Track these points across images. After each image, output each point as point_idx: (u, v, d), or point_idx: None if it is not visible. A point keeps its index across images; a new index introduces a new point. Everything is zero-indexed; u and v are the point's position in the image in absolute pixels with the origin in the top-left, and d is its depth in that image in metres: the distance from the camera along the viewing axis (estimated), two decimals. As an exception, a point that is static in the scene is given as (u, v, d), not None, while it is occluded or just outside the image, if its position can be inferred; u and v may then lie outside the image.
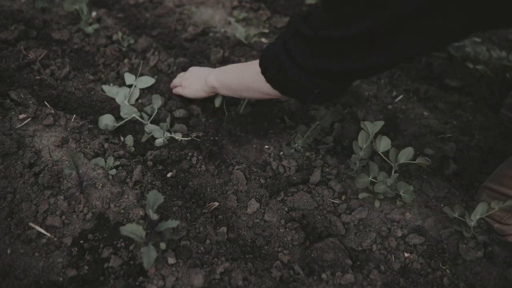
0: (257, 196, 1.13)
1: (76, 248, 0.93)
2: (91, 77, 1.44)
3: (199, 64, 1.59)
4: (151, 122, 1.30)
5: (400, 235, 1.07)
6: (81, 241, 0.95)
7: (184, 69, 1.50)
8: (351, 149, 1.21)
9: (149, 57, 1.56)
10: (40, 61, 1.43)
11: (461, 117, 1.49)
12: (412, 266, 1.02)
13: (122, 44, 1.59)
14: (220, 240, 1.00)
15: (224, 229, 1.03)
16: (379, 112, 1.46)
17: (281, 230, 1.06)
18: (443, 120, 1.45)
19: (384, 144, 1.09)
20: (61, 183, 1.04)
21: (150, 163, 1.19)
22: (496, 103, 1.60)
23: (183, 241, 0.94)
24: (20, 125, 1.16)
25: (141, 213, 0.99)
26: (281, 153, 1.29)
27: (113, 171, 1.06)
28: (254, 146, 1.32)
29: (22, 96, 1.23)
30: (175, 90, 1.40)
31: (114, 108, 1.37)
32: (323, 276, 0.96)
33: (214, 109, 1.40)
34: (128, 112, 1.29)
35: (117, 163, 1.08)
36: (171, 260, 0.88)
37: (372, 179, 1.12)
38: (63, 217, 0.98)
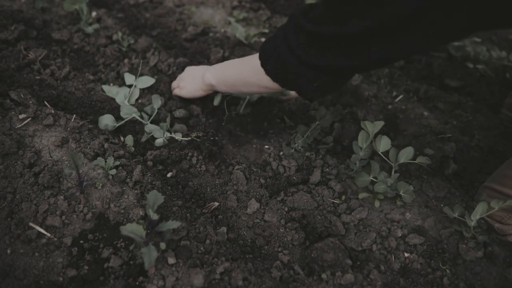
0: (257, 196, 1.13)
1: (76, 248, 0.93)
2: (91, 77, 1.44)
3: (199, 64, 1.58)
4: (151, 122, 1.30)
5: (400, 235, 1.07)
6: (81, 241, 0.95)
7: (184, 69, 1.50)
8: (351, 149, 1.21)
9: (149, 57, 1.56)
10: (40, 61, 1.43)
11: (461, 117, 1.49)
12: (412, 266, 1.02)
13: (122, 44, 1.59)
14: (220, 240, 1.00)
15: (224, 229, 1.03)
16: (379, 112, 1.46)
17: (281, 230, 1.06)
18: (443, 120, 1.45)
19: (384, 144, 1.09)
20: (61, 183, 1.04)
21: (150, 163, 1.19)
22: (496, 103, 1.60)
23: (183, 241, 0.94)
24: (20, 125, 1.15)
25: (141, 213, 0.99)
26: (281, 153, 1.29)
27: (113, 171, 1.06)
28: (254, 146, 1.32)
29: (22, 96, 1.23)
30: (173, 92, 1.40)
31: (114, 108, 1.37)
32: (323, 276, 0.96)
33: (214, 109, 1.40)
34: (128, 112, 1.29)
35: (117, 163, 1.08)
36: (171, 260, 0.88)
37: (373, 179, 1.12)
38: (63, 217, 0.98)
